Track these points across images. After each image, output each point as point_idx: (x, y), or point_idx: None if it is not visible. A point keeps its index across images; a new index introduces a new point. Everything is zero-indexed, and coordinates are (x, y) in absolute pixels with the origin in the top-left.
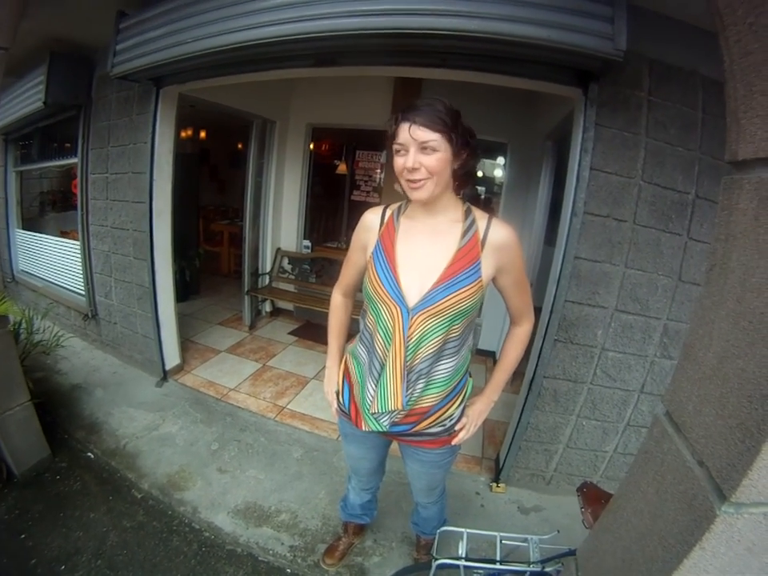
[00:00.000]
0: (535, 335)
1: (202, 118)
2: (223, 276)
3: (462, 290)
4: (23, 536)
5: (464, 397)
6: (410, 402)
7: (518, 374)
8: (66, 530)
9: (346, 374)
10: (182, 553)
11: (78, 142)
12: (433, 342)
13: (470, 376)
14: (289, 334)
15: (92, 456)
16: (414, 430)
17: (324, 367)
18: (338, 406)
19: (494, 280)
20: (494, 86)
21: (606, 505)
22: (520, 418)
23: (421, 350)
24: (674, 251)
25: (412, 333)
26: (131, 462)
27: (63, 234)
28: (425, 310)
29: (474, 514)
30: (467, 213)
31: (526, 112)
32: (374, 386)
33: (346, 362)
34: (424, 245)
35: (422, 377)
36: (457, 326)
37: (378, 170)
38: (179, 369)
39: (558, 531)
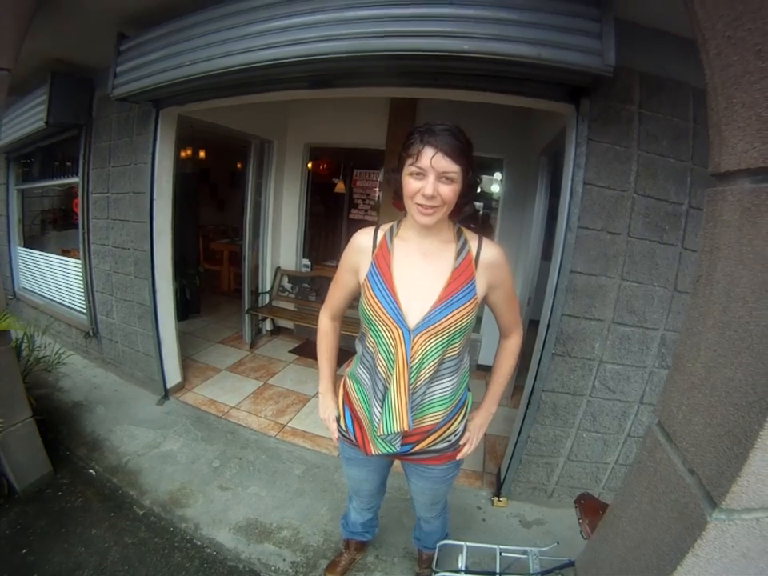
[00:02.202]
0: (533, 349)
1: (201, 138)
2: (223, 295)
3: (461, 308)
4: (24, 551)
5: (466, 411)
6: (414, 422)
7: (517, 388)
8: (68, 546)
9: (346, 398)
10: (184, 569)
11: (79, 162)
12: (434, 361)
13: (469, 390)
14: (289, 352)
15: (93, 473)
16: (417, 448)
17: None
18: (340, 431)
19: (484, 298)
20: (488, 104)
21: (603, 513)
22: (520, 432)
23: (423, 370)
24: (669, 262)
25: (415, 353)
26: (133, 479)
27: (64, 253)
28: (426, 330)
29: (475, 528)
30: (458, 234)
31: (521, 128)
32: (379, 408)
33: (345, 386)
34: (420, 266)
35: (426, 396)
36: (456, 345)
37: (376, 189)
38: (180, 387)
39: (558, 543)
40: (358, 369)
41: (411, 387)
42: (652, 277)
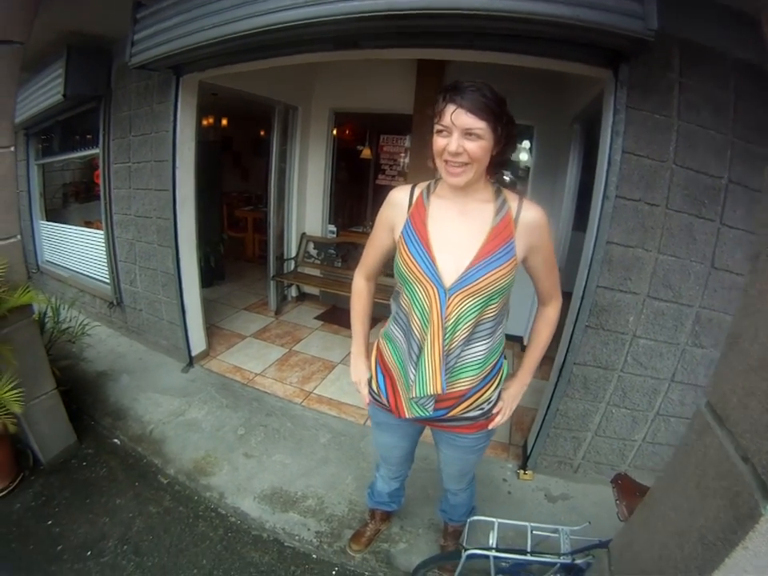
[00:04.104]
0: (566, 321)
1: (224, 105)
2: (248, 261)
3: (499, 268)
4: (50, 522)
5: (500, 379)
6: (448, 385)
7: (546, 359)
8: (93, 516)
9: (380, 359)
10: (208, 538)
11: (99, 133)
12: (469, 323)
13: (505, 358)
14: (315, 318)
15: (118, 442)
16: (450, 414)
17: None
18: (371, 395)
19: (523, 261)
20: (520, 68)
21: (642, 498)
22: (549, 405)
23: (458, 332)
24: (706, 237)
25: (450, 313)
26: (157, 447)
27: (87, 224)
28: (462, 290)
29: (500, 501)
30: (497, 193)
31: (552, 95)
32: (413, 369)
33: (378, 346)
34: (456, 224)
35: (460, 359)
36: (492, 306)
37: (403, 154)
38: (205, 354)
39: (590, 523)
40: (392, 328)
41: (446, 349)
42: (689, 251)
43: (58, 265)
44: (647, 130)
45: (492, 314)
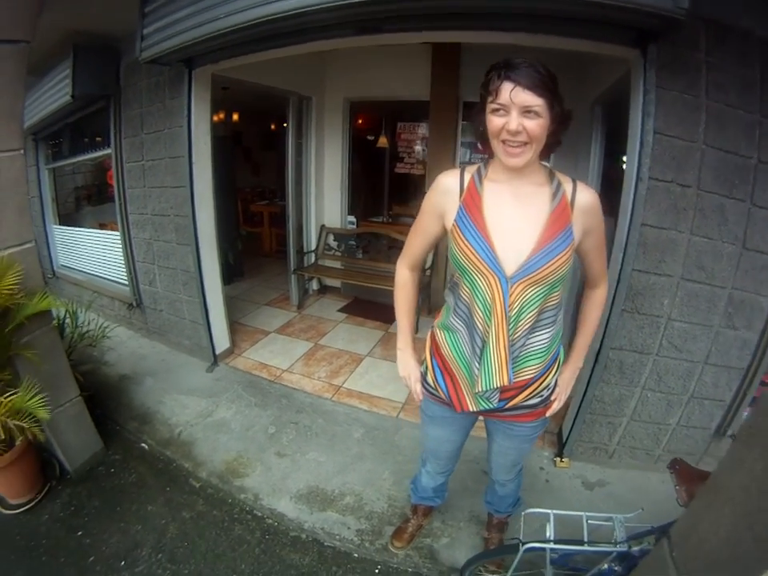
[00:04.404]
0: None
1: (234, 100)
2: (265, 256)
3: (560, 255)
4: (80, 533)
5: (558, 365)
6: (514, 371)
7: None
8: (124, 525)
9: (435, 351)
10: (245, 542)
11: (110, 132)
12: (533, 312)
13: (561, 344)
14: (338, 311)
15: (146, 447)
16: (512, 403)
17: (377, 344)
18: (426, 388)
19: (579, 243)
20: (537, 51)
21: (701, 482)
22: (586, 391)
23: (521, 321)
24: (738, 218)
25: (513, 303)
26: (187, 450)
27: (101, 227)
28: (524, 279)
29: (539, 489)
30: (551, 176)
31: (571, 77)
32: (477, 363)
33: (434, 338)
34: (513, 209)
35: (525, 348)
36: (555, 294)
37: (420, 142)
38: (229, 352)
39: (643, 509)
40: (452, 320)
41: (510, 339)
42: (721, 233)
43: (74, 269)
44: (677, 111)
45: (555, 302)
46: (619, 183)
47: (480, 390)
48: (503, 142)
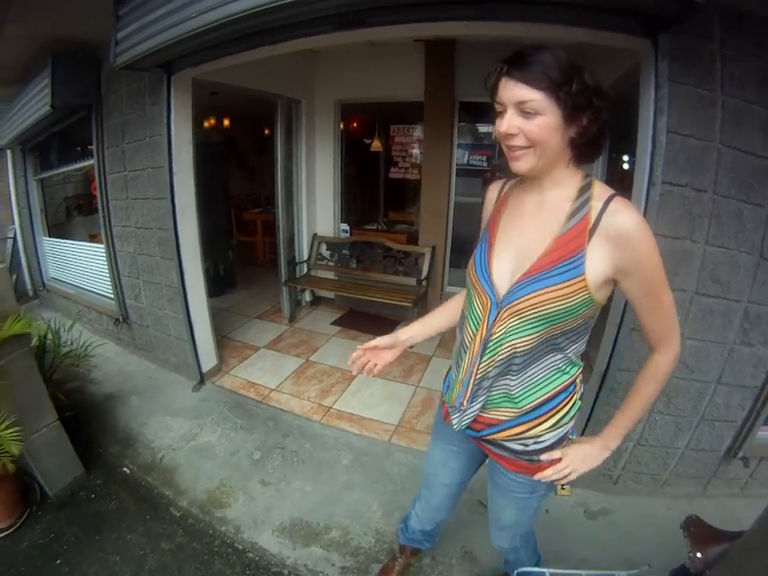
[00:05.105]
0: (606, 323)
1: (225, 106)
2: (259, 266)
3: (553, 287)
4: (58, 561)
5: (561, 419)
6: (471, 407)
7: (586, 367)
8: (103, 555)
9: None
10: None
11: (92, 142)
12: (509, 345)
13: (580, 398)
14: (331, 324)
15: (128, 471)
16: (491, 437)
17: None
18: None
19: (617, 284)
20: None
21: (716, 544)
22: (590, 415)
23: (499, 353)
24: (755, 224)
25: (496, 330)
26: (169, 477)
27: (92, 238)
28: (509, 305)
29: (539, 521)
30: (583, 189)
31: None
32: (454, 374)
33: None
34: (525, 226)
35: (495, 386)
36: (557, 338)
37: (415, 145)
38: (217, 370)
39: (649, 565)
40: (458, 325)
41: (481, 366)
42: (738, 241)
43: (63, 281)
44: (691, 107)
45: (552, 348)
46: (623, 186)
47: (448, 401)
48: (507, 147)
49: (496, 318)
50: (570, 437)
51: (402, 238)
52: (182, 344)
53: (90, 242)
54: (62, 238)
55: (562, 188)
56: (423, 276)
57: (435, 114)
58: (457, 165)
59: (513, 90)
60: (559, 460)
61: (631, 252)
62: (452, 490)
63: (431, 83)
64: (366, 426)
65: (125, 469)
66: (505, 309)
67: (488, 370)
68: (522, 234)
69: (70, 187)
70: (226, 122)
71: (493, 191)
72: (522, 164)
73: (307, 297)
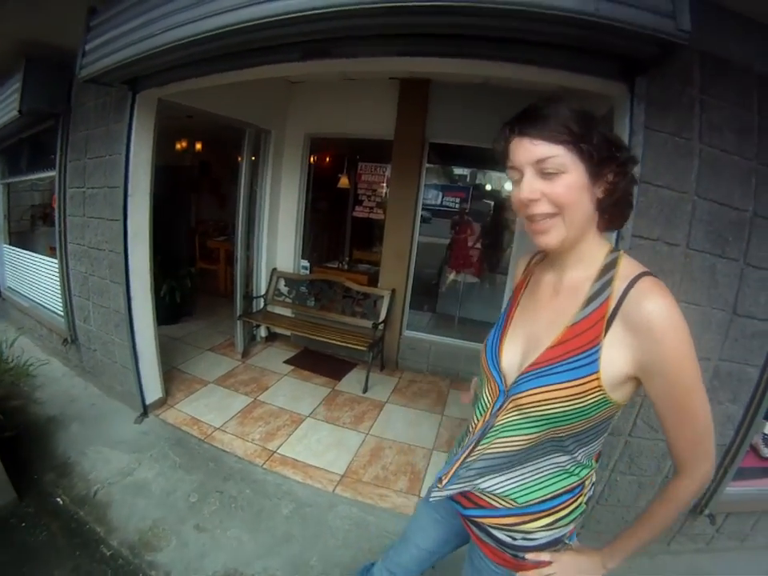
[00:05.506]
0: None
1: (202, 129)
2: (220, 296)
3: (559, 385)
4: None
5: (559, 519)
6: (448, 488)
7: None
8: None
9: None
10: None
11: (56, 153)
12: (501, 441)
13: (586, 502)
14: (284, 362)
15: (61, 502)
16: (476, 519)
17: (321, 403)
18: None
19: (636, 380)
20: (510, 90)
21: None
22: None
23: (492, 445)
24: (730, 280)
25: (498, 420)
26: (102, 512)
27: (52, 251)
28: (514, 397)
29: None
30: (607, 268)
31: None
32: (454, 449)
33: None
34: (540, 309)
35: (482, 478)
36: (534, 434)
37: (383, 184)
38: (161, 403)
39: None
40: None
41: (476, 453)
42: (711, 298)
43: (19, 293)
44: (667, 155)
45: (524, 446)
46: None
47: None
48: (527, 219)
49: (501, 408)
50: (568, 542)
51: (364, 278)
52: (126, 373)
53: (50, 255)
54: (24, 248)
55: (584, 265)
56: (381, 320)
57: (404, 154)
58: (429, 206)
59: (529, 149)
60: (547, 564)
61: (654, 347)
62: (422, 556)
63: (402, 122)
64: (310, 474)
65: (58, 499)
66: (510, 400)
67: (476, 460)
68: (536, 318)
69: (38, 195)
70: (198, 146)
71: (520, 265)
72: (551, 237)
73: (262, 332)
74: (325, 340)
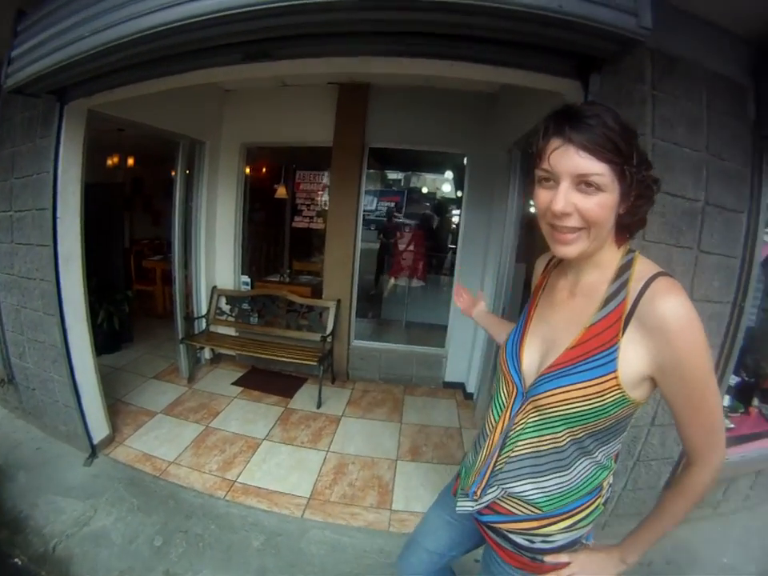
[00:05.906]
0: None
1: (134, 144)
2: (159, 318)
3: (579, 385)
4: None
5: (579, 521)
6: (484, 499)
7: None
8: None
9: None
10: None
11: None
12: (525, 443)
13: (604, 503)
14: (233, 384)
15: (19, 563)
16: (494, 524)
17: (276, 424)
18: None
19: (652, 380)
20: (450, 91)
21: None
22: None
23: (515, 449)
24: (685, 268)
25: (518, 421)
26: (64, 569)
27: None
28: (533, 398)
29: None
30: (623, 269)
31: (485, 118)
32: (472, 458)
33: None
34: (558, 311)
35: (512, 482)
36: (549, 435)
37: (321, 192)
38: (109, 440)
39: None
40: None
41: (500, 459)
42: None
43: None
44: None
45: (549, 446)
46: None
47: (462, 486)
48: (551, 225)
49: (519, 409)
50: (585, 542)
51: (307, 290)
52: (69, 411)
53: None
54: None
55: (600, 270)
56: (328, 332)
57: (343, 160)
58: (365, 211)
59: (574, 160)
60: (565, 564)
61: (668, 348)
62: (432, 559)
63: (341, 128)
64: (275, 501)
65: (17, 560)
66: (529, 401)
67: (504, 465)
68: (552, 320)
69: None
70: (130, 161)
71: (540, 264)
72: (572, 249)
73: (207, 354)
74: (272, 357)
